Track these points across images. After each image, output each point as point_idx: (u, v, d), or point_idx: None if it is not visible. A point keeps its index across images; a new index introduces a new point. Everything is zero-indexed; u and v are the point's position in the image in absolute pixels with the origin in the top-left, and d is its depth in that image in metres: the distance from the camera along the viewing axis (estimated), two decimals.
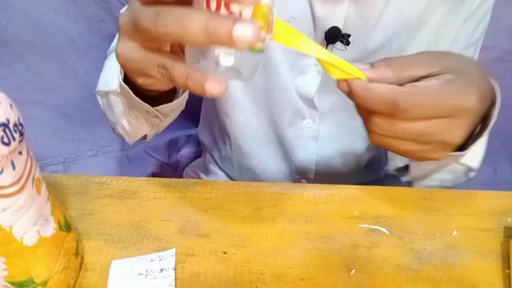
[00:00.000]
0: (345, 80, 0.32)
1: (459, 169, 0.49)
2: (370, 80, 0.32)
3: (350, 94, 0.32)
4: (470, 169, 0.47)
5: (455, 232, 0.44)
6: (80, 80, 0.99)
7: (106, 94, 0.49)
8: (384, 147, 0.35)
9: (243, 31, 0.22)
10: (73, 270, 0.37)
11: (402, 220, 0.44)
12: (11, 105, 0.28)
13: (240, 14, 0.25)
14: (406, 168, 0.52)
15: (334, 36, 0.50)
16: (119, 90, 0.45)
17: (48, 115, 1.01)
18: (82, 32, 0.94)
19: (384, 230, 0.43)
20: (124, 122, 0.49)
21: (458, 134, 0.34)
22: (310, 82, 0.54)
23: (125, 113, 0.48)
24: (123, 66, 0.31)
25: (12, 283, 0.32)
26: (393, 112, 0.31)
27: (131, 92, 0.40)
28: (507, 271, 0.40)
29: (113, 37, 0.95)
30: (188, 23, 0.23)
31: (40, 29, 0.90)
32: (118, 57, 0.31)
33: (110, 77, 0.47)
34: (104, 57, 0.98)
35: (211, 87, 0.26)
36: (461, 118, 0.33)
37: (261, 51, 0.27)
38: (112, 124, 0.53)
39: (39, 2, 0.88)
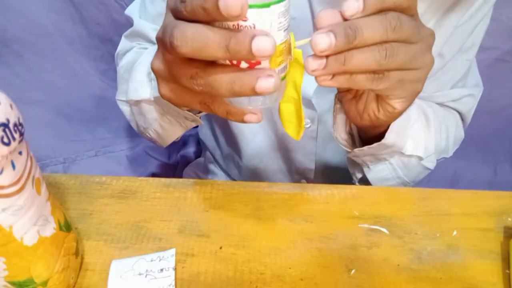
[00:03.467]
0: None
1: (411, 162, 0.51)
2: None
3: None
4: (419, 158, 0.50)
5: (455, 232, 0.44)
6: (80, 80, 1.00)
7: (138, 102, 0.50)
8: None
9: (265, 85, 0.27)
10: (73, 270, 0.37)
11: (402, 220, 0.44)
12: (11, 105, 0.28)
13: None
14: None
15: None
16: (152, 99, 0.47)
17: (48, 115, 1.01)
18: (82, 33, 0.94)
19: (384, 230, 0.43)
20: (157, 127, 0.51)
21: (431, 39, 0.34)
22: (308, 84, 0.55)
23: (158, 119, 0.49)
24: (168, 101, 0.35)
25: (12, 283, 0.32)
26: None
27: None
28: (507, 271, 0.40)
29: (111, 40, 0.95)
30: (218, 86, 0.28)
31: (40, 30, 0.90)
32: (162, 96, 0.34)
33: (140, 86, 0.49)
34: (104, 58, 0.98)
35: (250, 119, 0.32)
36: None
37: (284, 77, 0.31)
38: (143, 129, 0.54)
39: (38, 3, 0.88)
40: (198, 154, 1.08)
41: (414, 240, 0.43)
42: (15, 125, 0.28)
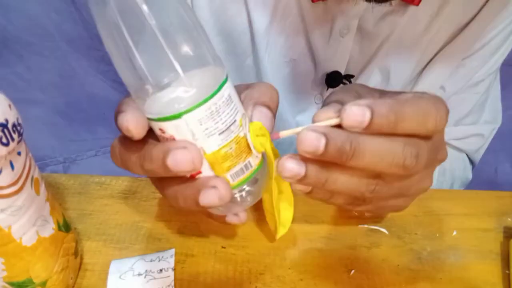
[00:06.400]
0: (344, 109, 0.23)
1: None
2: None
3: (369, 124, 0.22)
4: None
5: (455, 232, 0.43)
6: (80, 80, 1.00)
7: None
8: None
9: (208, 199, 0.23)
10: (72, 271, 0.37)
11: (402, 220, 0.44)
12: (9, 106, 0.28)
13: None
14: None
15: (335, 79, 0.49)
16: None
17: (48, 115, 1.01)
18: (82, 33, 0.94)
19: (384, 230, 0.43)
20: None
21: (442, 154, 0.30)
22: (311, 119, 0.53)
23: None
24: None
25: (11, 284, 0.32)
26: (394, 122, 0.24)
27: None
28: (507, 271, 0.40)
29: None
30: (169, 199, 0.26)
31: (40, 30, 0.91)
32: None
33: None
34: (104, 59, 0.98)
35: (232, 220, 0.30)
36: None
37: (261, 165, 0.27)
38: None
39: (39, 3, 0.88)
40: None
41: (414, 240, 0.42)
42: (13, 125, 0.28)
